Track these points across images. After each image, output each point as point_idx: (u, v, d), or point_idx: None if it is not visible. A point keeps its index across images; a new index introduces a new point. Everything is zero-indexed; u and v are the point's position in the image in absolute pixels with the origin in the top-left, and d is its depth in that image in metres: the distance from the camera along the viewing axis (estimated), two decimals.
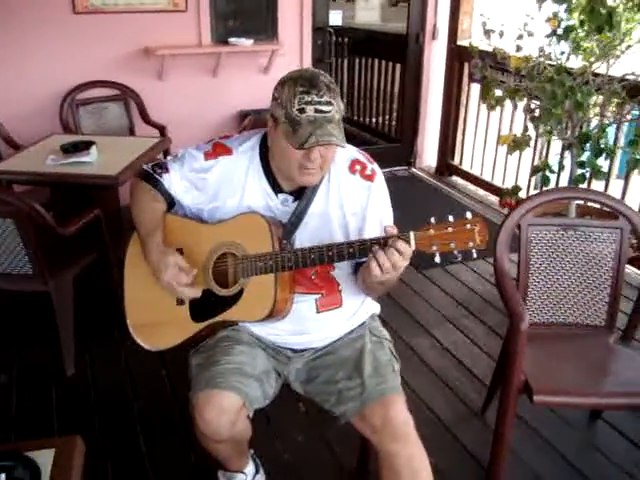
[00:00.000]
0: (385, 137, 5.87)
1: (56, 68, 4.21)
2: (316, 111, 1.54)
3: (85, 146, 3.25)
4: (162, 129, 4.24)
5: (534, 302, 2.30)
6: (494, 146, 4.70)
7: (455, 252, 1.51)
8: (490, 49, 3.21)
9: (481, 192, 4.99)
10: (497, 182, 4.79)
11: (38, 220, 2.56)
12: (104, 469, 2.29)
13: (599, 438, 2.47)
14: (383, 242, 1.54)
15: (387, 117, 5.97)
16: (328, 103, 1.55)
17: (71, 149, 3.23)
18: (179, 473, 2.29)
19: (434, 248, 1.51)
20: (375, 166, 1.80)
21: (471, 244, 1.50)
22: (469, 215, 1.52)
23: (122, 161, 3.21)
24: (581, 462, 2.32)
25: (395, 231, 1.54)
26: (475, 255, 1.51)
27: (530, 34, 2.90)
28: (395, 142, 5.63)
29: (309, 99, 1.53)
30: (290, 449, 2.37)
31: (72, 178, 3.08)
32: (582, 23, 2.68)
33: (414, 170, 5.50)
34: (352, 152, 1.79)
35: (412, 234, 1.52)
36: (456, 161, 5.28)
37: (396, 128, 5.84)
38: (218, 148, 1.79)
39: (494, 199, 4.78)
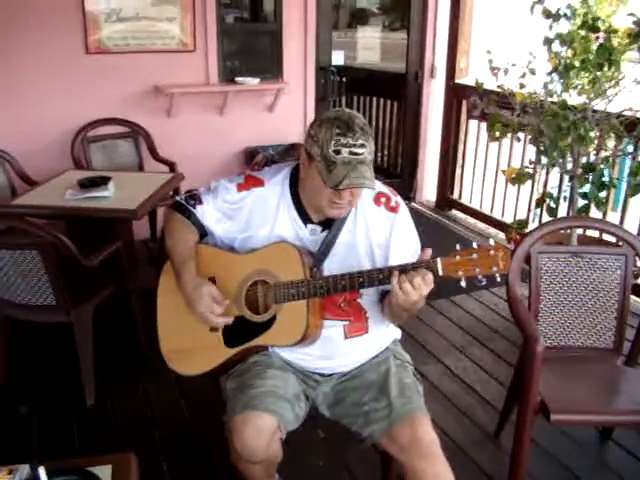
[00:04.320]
0: (385, 172, 5.99)
1: (68, 106, 4.33)
2: (351, 153, 1.64)
3: (102, 181, 3.34)
4: (171, 165, 4.35)
5: (545, 327, 2.40)
6: (492, 180, 4.85)
7: (480, 277, 1.61)
8: (491, 86, 3.37)
9: (480, 225, 5.11)
10: (496, 215, 4.91)
11: (63, 251, 2.64)
12: None
13: (610, 458, 2.55)
14: (411, 268, 1.63)
15: (386, 153, 6.11)
16: (362, 146, 1.66)
17: (88, 184, 3.33)
18: None
19: (460, 273, 1.60)
20: (399, 198, 1.90)
21: (495, 269, 1.59)
22: (492, 242, 1.62)
23: (138, 196, 3.31)
24: None
25: (428, 257, 1.63)
26: (499, 279, 1.61)
27: (532, 72, 3.05)
28: (395, 177, 5.75)
29: (345, 142, 1.64)
30: (311, 474, 2.43)
31: (93, 212, 3.17)
32: (583, 62, 2.84)
33: (414, 204, 5.62)
34: (377, 185, 1.88)
35: (439, 260, 1.61)
36: (455, 195, 5.41)
37: (395, 163, 5.98)
38: (250, 180, 1.89)
39: (493, 231, 4.90)
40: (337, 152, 1.64)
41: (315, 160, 1.69)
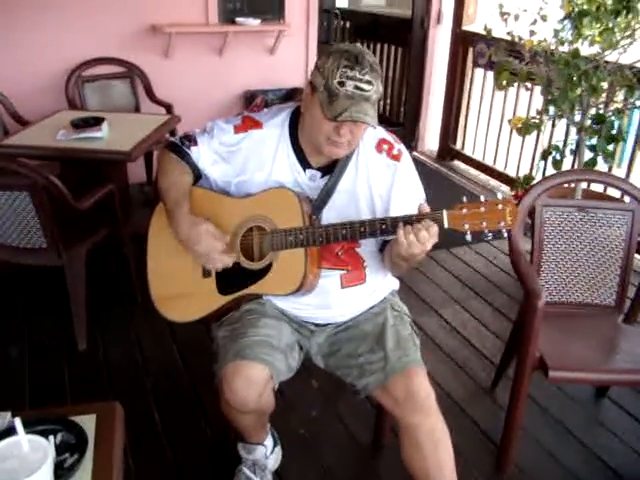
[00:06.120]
0: (387, 120, 5.88)
1: (62, 45, 4.19)
2: (356, 87, 1.55)
3: (96, 122, 3.25)
4: (168, 107, 4.25)
5: (546, 282, 2.35)
6: (496, 131, 4.75)
7: (486, 231, 1.55)
8: (500, 33, 3.25)
9: (482, 176, 5.02)
10: (499, 167, 4.83)
11: (55, 193, 2.57)
12: None
13: (604, 415, 2.54)
14: (415, 219, 1.57)
15: (389, 101, 5.98)
16: (369, 82, 1.57)
17: (82, 124, 3.24)
18: (195, 447, 2.31)
19: (466, 227, 1.54)
20: (402, 146, 1.82)
21: (502, 224, 1.53)
22: (500, 196, 1.56)
23: (133, 137, 3.22)
24: (588, 437, 2.38)
25: (427, 209, 1.57)
26: (505, 235, 1.55)
27: (544, 19, 2.94)
28: (397, 125, 5.65)
29: (351, 74, 1.55)
30: (305, 424, 2.41)
31: (85, 153, 3.08)
32: (598, 8, 2.72)
33: (416, 154, 5.52)
34: (380, 132, 1.81)
35: (445, 212, 1.55)
36: (458, 145, 5.31)
37: (398, 112, 5.87)
38: (248, 121, 1.80)
39: (496, 183, 4.84)
40: (341, 84, 1.56)
41: (318, 91, 1.60)
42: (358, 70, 1.56)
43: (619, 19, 2.70)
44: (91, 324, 2.89)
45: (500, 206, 1.53)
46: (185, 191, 1.83)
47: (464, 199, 1.55)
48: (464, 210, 1.54)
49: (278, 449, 2.19)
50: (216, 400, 1.81)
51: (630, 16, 2.68)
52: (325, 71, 1.58)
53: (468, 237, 1.55)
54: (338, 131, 1.62)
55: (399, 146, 1.82)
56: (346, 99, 1.56)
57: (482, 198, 1.55)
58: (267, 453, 2.11)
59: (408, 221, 1.57)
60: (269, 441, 2.13)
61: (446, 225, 1.55)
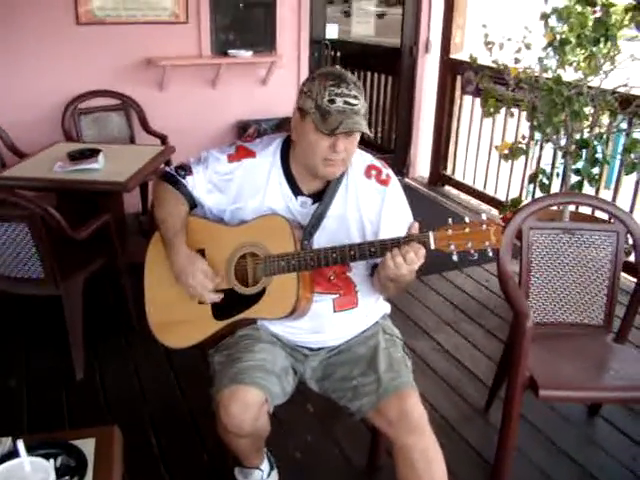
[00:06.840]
0: (378, 148, 5.96)
1: (58, 78, 4.27)
2: (345, 103, 1.65)
3: (92, 153, 3.31)
4: (163, 138, 4.31)
5: (535, 303, 2.40)
6: (486, 156, 4.83)
7: (472, 251, 1.60)
8: (486, 61, 3.35)
9: (474, 201, 5.10)
10: (489, 191, 4.90)
11: (52, 224, 2.61)
12: None
13: (597, 434, 2.57)
14: (403, 242, 1.62)
15: (380, 129, 6.08)
16: (355, 97, 1.66)
17: (78, 156, 3.29)
18: (193, 473, 2.33)
19: (452, 247, 1.59)
20: (390, 171, 1.89)
21: (487, 243, 1.58)
22: (484, 217, 1.61)
23: (128, 168, 3.27)
24: (582, 456, 2.41)
25: (417, 227, 1.62)
26: (491, 254, 1.60)
27: (528, 47, 3.03)
28: (388, 153, 5.73)
29: (339, 91, 1.65)
30: (301, 448, 2.43)
31: (82, 184, 3.14)
32: (579, 37, 2.81)
33: (407, 180, 5.60)
34: (368, 158, 1.88)
35: (431, 234, 1.60)
36: (449, 171, 5.39)
37: (389, 139, 5.96)
38: (241, 151, 1.86)
39: (486, 207, 4.90)
40: (332, 101, 1.64)
41: (309, 113, 1.67)
42: (344, 87, 1.65)
43: (600, 46, 2.79)
44: (88, 353, 2.92)
45: (484, 226, 1.58)
46: (183, 223, 1.88)
47: (449, 221, 1.61)
48: (449, 231, 1.59)
49: (275, 473, 2.20)
50: (213, 425, 1.84)
51: (609, 44, 2.77)
52: (313, 93, 1.67)
53: (454, 257, 1.60)
54: (334, 148, 1.68)
55: (387, 171, 1.88)
56: (338, 114, 1.64)
57: (467, 219, 1.60)
58: (263, 477, 2.12)
59: (396, 244, 1.62)
60: (265, 465, 2.15)
61: (432, 246, 1.60)
